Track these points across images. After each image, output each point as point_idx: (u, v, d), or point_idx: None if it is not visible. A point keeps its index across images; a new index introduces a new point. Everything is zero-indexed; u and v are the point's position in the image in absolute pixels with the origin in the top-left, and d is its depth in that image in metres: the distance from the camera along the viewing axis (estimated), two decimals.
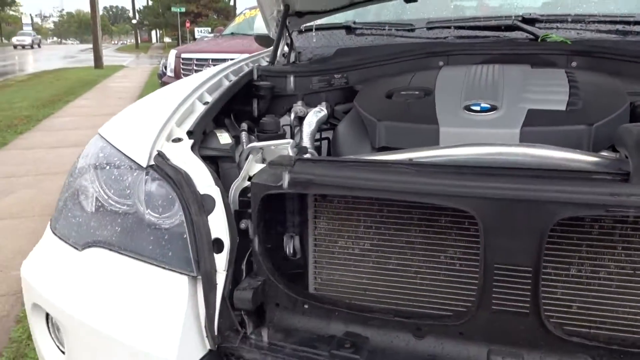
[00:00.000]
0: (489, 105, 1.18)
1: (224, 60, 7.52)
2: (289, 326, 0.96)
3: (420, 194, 0.84)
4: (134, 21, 52.37)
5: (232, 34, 8.11)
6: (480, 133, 1.11)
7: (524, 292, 0.80)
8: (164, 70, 10.86)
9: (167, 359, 0.86)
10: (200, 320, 0.91)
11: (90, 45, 22.88)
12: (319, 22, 2.15)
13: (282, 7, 1.81)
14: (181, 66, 7.35)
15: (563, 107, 1.16)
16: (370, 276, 0.98)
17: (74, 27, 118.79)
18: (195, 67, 7.14)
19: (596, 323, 0.85)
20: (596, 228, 0.87)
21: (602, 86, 1.31)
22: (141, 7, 54.27)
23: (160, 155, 1.03)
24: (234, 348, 0.91)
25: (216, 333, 0.90)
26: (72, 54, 34.51)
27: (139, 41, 53.16)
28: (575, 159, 0.94)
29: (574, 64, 1.53)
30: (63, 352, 1.11)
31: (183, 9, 32.91)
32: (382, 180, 0.87)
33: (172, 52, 7.77)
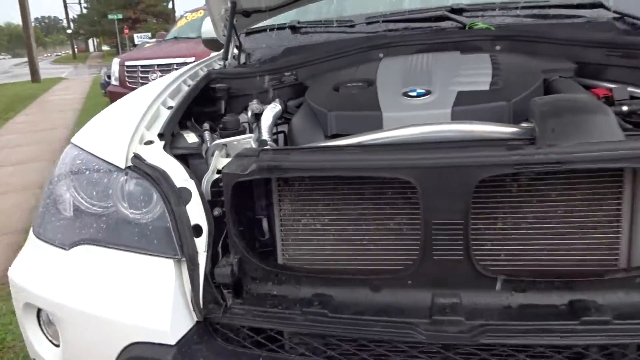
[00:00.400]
0: (424, 90, 1.34)
1: (170, 65, 7.43)
2: (264, 295, 1.09)
3: (369, 169, 0.99)
4: (69, 31, 50.50)
5: (175, 38, 8.09)
6: (418, 115, 1.26)
7: (457, 242, 0.96)
8: (106, 79, 10.67)
9: (162, 330, 0.98)
10: (187, 297, 1.03)
11: (25, 59, 22.00)
12: (265, 23, 2.28)
13: (229, 4, 1.92)
14: (126, 74, 7.28)
15: (487, 87, 1.33)
16: (332, 246, 1.12)
17: (5, 40, 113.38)
18: (140, 74, 7.10)
19: (519, 265, 1.03)
20: (515, 186, 1.04)
21: (520, 66, 1.49)
22: (75, 16, 52.37)
23: (137, 156, 1.14)
24: (218, 318, 1.04)
25: (202, 306, 1.03)
26: (6, 69, 33.06)
27: (76, 51, 51.38)
28: (496, 131, 1.11)
29: (497, 47, 1.71)
30: (57, 345, 1.20)
31: (120, 16, 32.06)
32: (335, 160, 1.02)
33: (116, 61, 7.68)
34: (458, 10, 2.01)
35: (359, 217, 1.11)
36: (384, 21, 2.07)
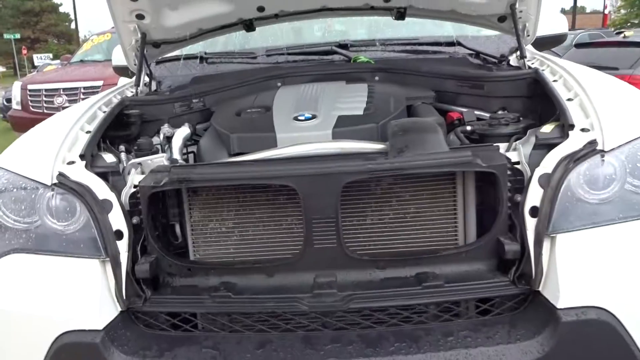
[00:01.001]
0: (310, 115, 1.62)
1: (76, 89, 7.28)
2: (178, 286, 1.30)
3: (259, 178, 1.24)
4: None
5: (81, 61, 7.94)
6: (305, 136, 1.53)
7: (331, 234, 1.24)
8: (5, 103, 10.13)
9: (91, 318, 1.16)
10: (112, 291, 1.22)
11: None
12: (174, 52, 2.48)
13: (139, 36, 2.11)
14: (29, 98, 7.04)
15: (361, 112, 1.63)
16: (235, 244, 1.36)
17: None
18: (45, 98, 6.90)
19: (383, 249, 1.32)
20: (379, 189, 1.34)
21: (390, 94, 1.81)
22: None
23: (62, 174, 1.31)
24: (139, 307, 1.24)
25: (124, 298, 1.22)
26: None
27: None
28: (362, 147, 1.41)
29: (376, 78, 2.04)
30: None
31: (18, 35, 30.30)
32: (234, 172, 1.26)
33: (17, 84, 7.42)
34: (344, 46, 2.34)
35: (257, 220, 1.36)
36: (281, 54, 2.35)
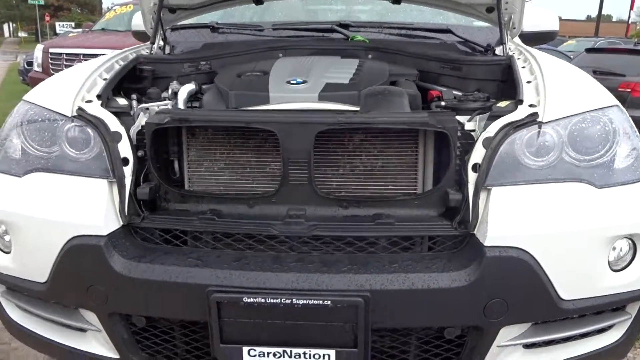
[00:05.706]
0: (302, 80, 1.83)
1: (96, 55, 7.49)
2: (173, 209, 1.53)
3: (248, 122, 1.46)
4: None
5: (102, 29, 8.17)
6: (294, 96, 1.74)
7: (304, 174, 1.45)
8: (26, 66, 10.40)
9: (97, 225, 1.39)
10: (116, 208, 1.45)
11: None
12: (189, 21, 2.69)
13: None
14: (50, 61, 7.29)
15: (346, 81, 1.84)
16: (225, 182, 1.58)
17: None
18: (65, 62, 7.14)
19: (349, 192, 1.54)
20: (351, 144, 1.55)
21: (376, 69, 2.02)
22: None
23: (81, 109, 1.54)
24: (137, 224, 1.46)
25: (126, 214, 1.45)
26: None
27: None
28: (339, 108, 1.62)
29: (370, 56, 2.24)
30: (7, 253, 1.56)
31: (42, 2, 30.69)
32: (226, 116, 1.48)
33: (39, 47, 7.67)
34: (344, 25, 2.54)
35: (245, 161, 1.58)
36: (285, 28, 2.56)
